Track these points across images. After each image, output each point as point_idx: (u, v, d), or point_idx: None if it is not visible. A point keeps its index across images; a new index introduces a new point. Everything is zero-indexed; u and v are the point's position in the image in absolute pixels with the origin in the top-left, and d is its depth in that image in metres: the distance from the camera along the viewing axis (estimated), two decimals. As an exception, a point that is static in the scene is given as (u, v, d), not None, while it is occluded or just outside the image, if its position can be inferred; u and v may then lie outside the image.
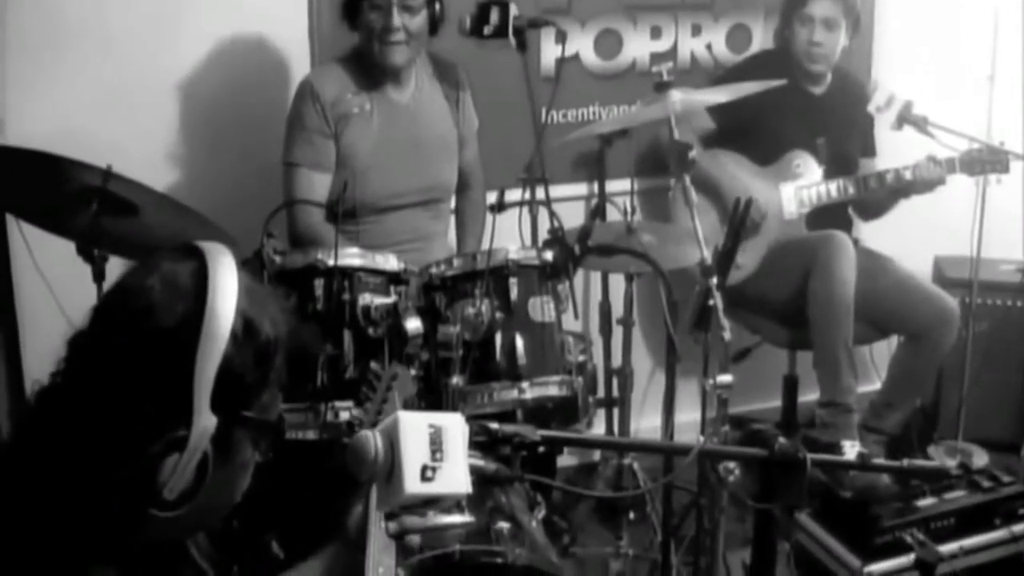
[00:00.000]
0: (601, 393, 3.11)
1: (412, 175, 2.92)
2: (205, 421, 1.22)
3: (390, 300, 2.27)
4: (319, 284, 2.25)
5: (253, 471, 1.33)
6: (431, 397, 2.25)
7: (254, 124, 3.12)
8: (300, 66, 3.16)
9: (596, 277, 3.44)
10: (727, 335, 2.22)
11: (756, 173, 3.45)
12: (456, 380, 2.23)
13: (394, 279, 2.33)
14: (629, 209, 2.82)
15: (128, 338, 1.23)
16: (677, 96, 2.54)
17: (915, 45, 3.91)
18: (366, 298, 2.25)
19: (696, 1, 3.63)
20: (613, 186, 3.37)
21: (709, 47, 3.68)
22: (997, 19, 3.89)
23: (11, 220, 2.77)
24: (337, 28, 2.94)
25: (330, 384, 2.21)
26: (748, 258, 3.33)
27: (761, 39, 3.72)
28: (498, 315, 2.31)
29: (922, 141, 3.25)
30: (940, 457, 3.59)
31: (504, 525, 2.07)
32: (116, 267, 2.39)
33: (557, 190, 2.97)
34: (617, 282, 3.31)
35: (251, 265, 2.19)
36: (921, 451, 3.60)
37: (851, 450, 3.22)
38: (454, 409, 2.17)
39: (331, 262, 2.24)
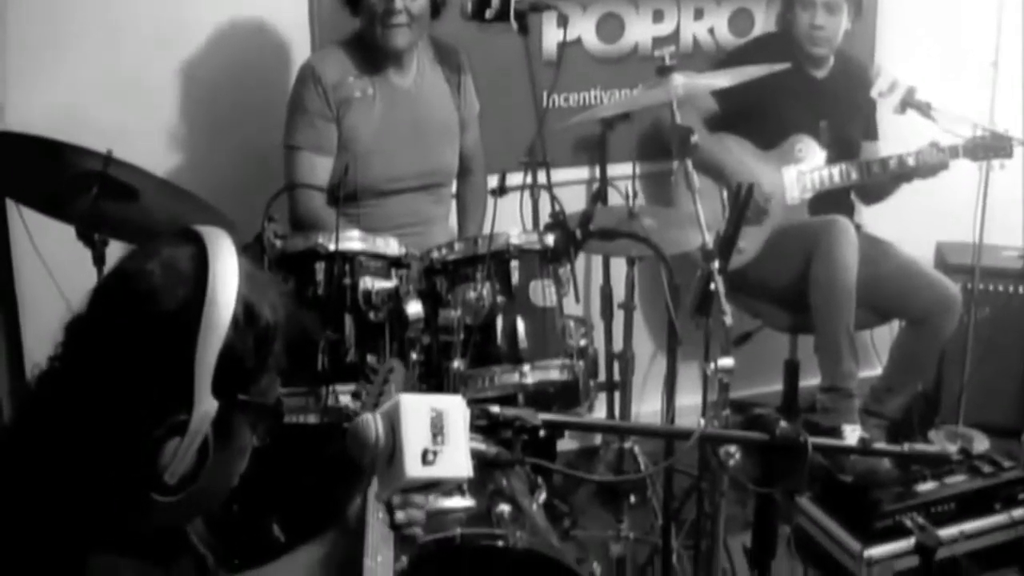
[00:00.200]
0: (602, 377, 3.11)
1: (413, 159, 2.91)
2: (206, 405, 1.22)
3: (391, 284, 2.26)
4: (320, 268, 2.24)
5: (255, 455, 1.34)
6: (432, 381, 2.26)
7: (255, 108, 3.12)
8: (301, 50, 3.16)
9: (597, 261, 3.44)
10: (728, 319, 2.21)
11: (759, 157, 3.44)
12: (457, 364, 2.23)
13: (395, 263, 2.32)
14: (631, 193, 2.81)
15: (128, 322, 1.23)
16: (679, 80, 2.53)
17: (918, 30, 3.89)
18: (367, 282, 2.24)
19: (698, -15, 3.62)
20: (615, 170, 3.35)
21: (711, 31, 3.66)
22: (1001, 5, 3.88)
23: (11, 205, 2.77)
24: (338, 12, 2.93)
25: (331, 368, 2.21)
26: (750, 242, 3.32)
27: (763, 22, 3.70)
28: (499, 299, 2.30)
29: (925, 126, 3.24)
30: (941, 442, 3.60)
31: (505, 508, 2.07)
32: (116, 251, 2.40)
33: (559, 174, 2.97)
34: (619, 266, 3.30)
35: (252, 249, 2.18)
36: (922, 436, 3.61)
37: (852, 435, 3.22)
38: (455, 393, 2.17)
39: (332, 246, 2.23)
